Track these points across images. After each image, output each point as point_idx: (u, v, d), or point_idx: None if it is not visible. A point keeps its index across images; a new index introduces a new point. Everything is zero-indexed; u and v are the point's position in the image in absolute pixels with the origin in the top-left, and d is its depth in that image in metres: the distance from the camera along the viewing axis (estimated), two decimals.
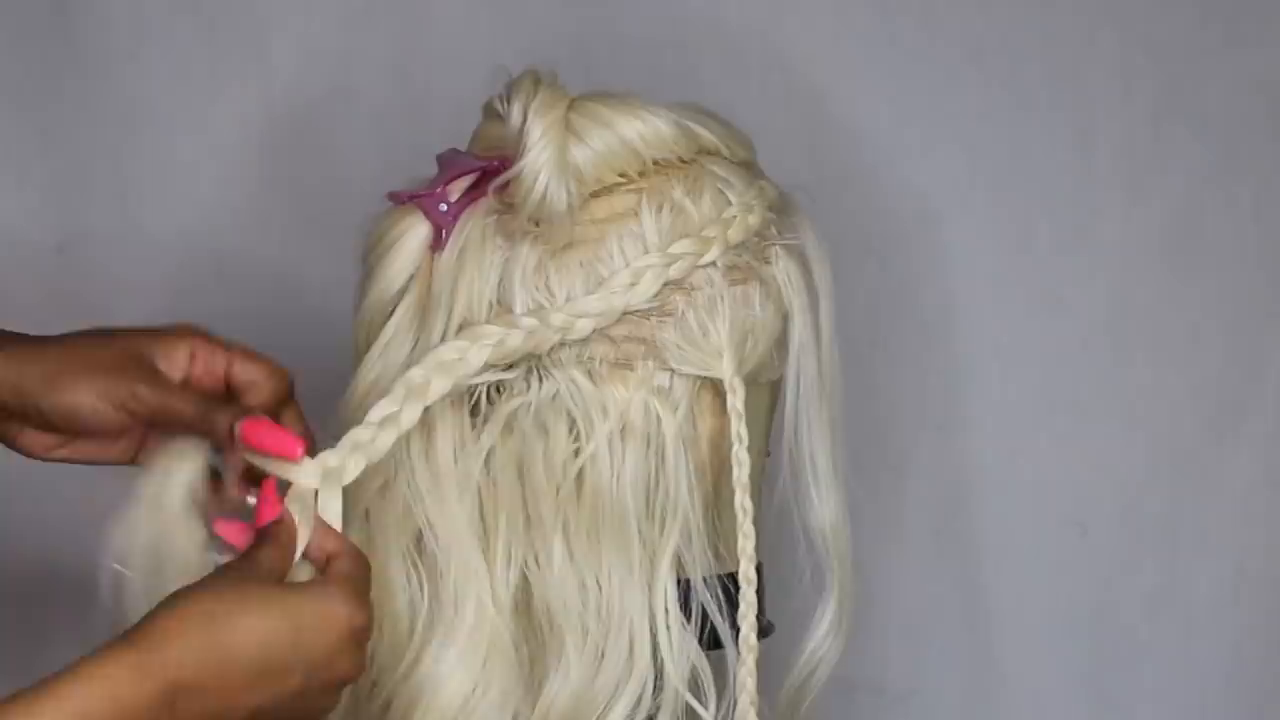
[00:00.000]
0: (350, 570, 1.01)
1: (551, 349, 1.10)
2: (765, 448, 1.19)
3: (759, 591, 1.14)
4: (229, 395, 1.10)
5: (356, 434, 1.05)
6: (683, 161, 1.14)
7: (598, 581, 1.10)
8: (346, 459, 1.04)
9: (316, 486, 1.03)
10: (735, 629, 1.13)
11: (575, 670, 1.09)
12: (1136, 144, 1.56)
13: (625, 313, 1.11)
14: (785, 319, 1.16)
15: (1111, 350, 1.58)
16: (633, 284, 1.10)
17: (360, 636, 0.99)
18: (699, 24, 1.53)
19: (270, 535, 1.00)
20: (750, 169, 1.18)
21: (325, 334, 1.50)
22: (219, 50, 1.49)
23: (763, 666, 1.15)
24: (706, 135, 1.15)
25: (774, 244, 1.16)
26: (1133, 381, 1.58)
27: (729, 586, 1.13)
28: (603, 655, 1.10)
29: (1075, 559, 1.59)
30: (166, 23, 1.48)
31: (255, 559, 0.99)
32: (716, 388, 1.13)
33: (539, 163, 1.09)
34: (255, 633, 0.95)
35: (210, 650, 0.93)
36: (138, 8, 1.48)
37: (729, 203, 1.14)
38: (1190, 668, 1.59)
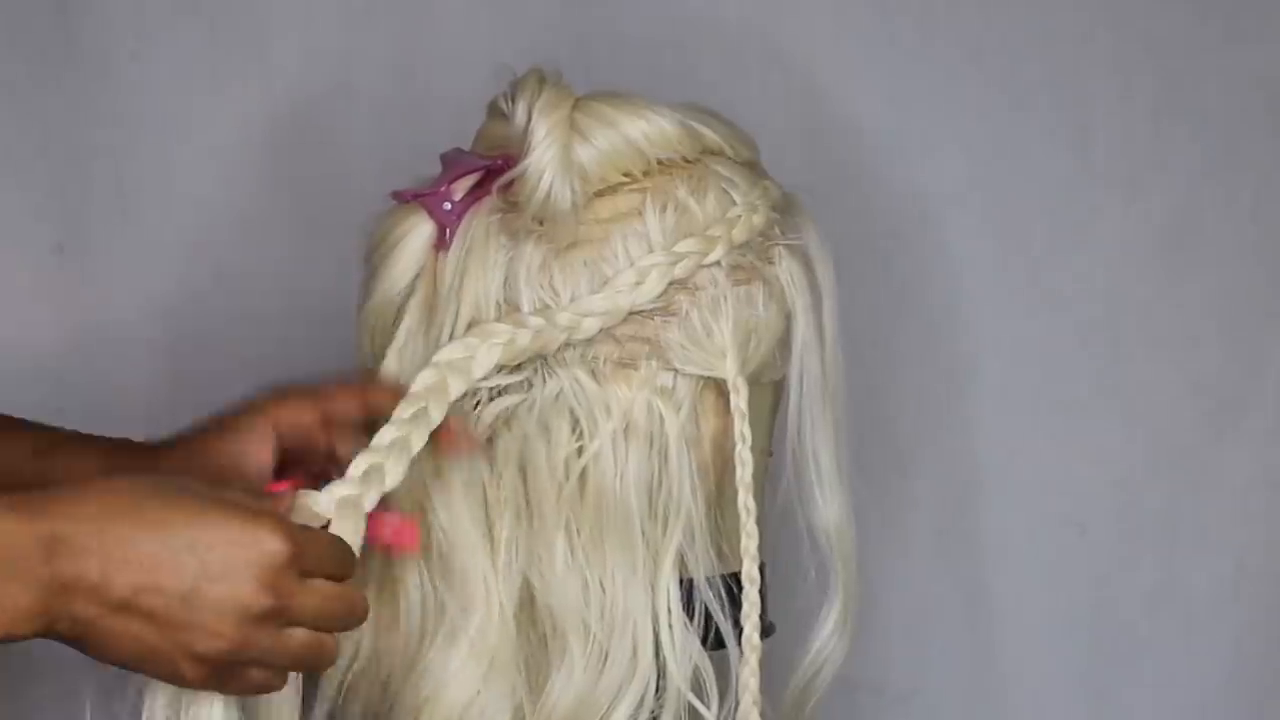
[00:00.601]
0: (301, 540, 0.97)
1: (557, 349, 1.11)
2: (768, 447, 1.19)
3: (761, 591, 1.15)
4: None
5: (387, 433, 1.05)
6: (687, 161, 1.14)
7: (600, 581, 1.10)
8: (387, 458, 1.04)
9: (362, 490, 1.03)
10: (738, 629, 1.13)
11: (579, 670, 1.10)
12: (1135, 142, 1.56)
13: (630, 312, 1.11)
14: (789, 319, 1.16)
15: (1111, 348, 1.58)
16: (638, 283, 1.11)
17: (272, 564, 0.95)
18: (699, 24, 1.53)
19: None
20: (754, 169, 1.18)
21: (326, 334, 1.50)
22: (220, 50, 1.48)
23: (766, 666, 1.15)
24: (710, 135, 1.15)
25: (778, 244, 1.16)
26: (1132, 379, 1.58)
27: (732, 586, 1.13)
28: (606, 655, 1.10)
29: (1075, 557, 1.59)
30: (167, 22, 1.48)
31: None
32: (720, 387, 1.13)
33: (543, 161, 1.09)
34: (157, 516, 0.94)
35: (104, 517, 0.93)
36: (138, 8, 1.48)
37: (733, 202, 1.14)
38: (1190, 665, 1.59)
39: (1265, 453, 1.59)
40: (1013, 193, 1.56)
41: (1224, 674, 1.60)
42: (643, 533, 1.10)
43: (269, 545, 0.95)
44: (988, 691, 1.60)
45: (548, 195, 1.09)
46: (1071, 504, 1.59)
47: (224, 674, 0.97)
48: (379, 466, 1.03)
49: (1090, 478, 1.58)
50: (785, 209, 1.17)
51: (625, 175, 1.12)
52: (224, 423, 1.14)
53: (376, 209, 1.17)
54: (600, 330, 1.11)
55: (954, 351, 1.57)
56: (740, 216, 1.13)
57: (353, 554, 1.00)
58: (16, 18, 1.46)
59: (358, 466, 1.03)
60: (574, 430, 1.11)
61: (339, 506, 1.01)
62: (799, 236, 1.17)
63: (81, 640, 0.95)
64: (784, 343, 1.16)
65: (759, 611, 1.13)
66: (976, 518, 1.58)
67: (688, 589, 1.12)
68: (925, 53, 1.55)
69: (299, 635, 0.97)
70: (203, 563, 0.94)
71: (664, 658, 1.10)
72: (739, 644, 1.12)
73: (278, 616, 0.96)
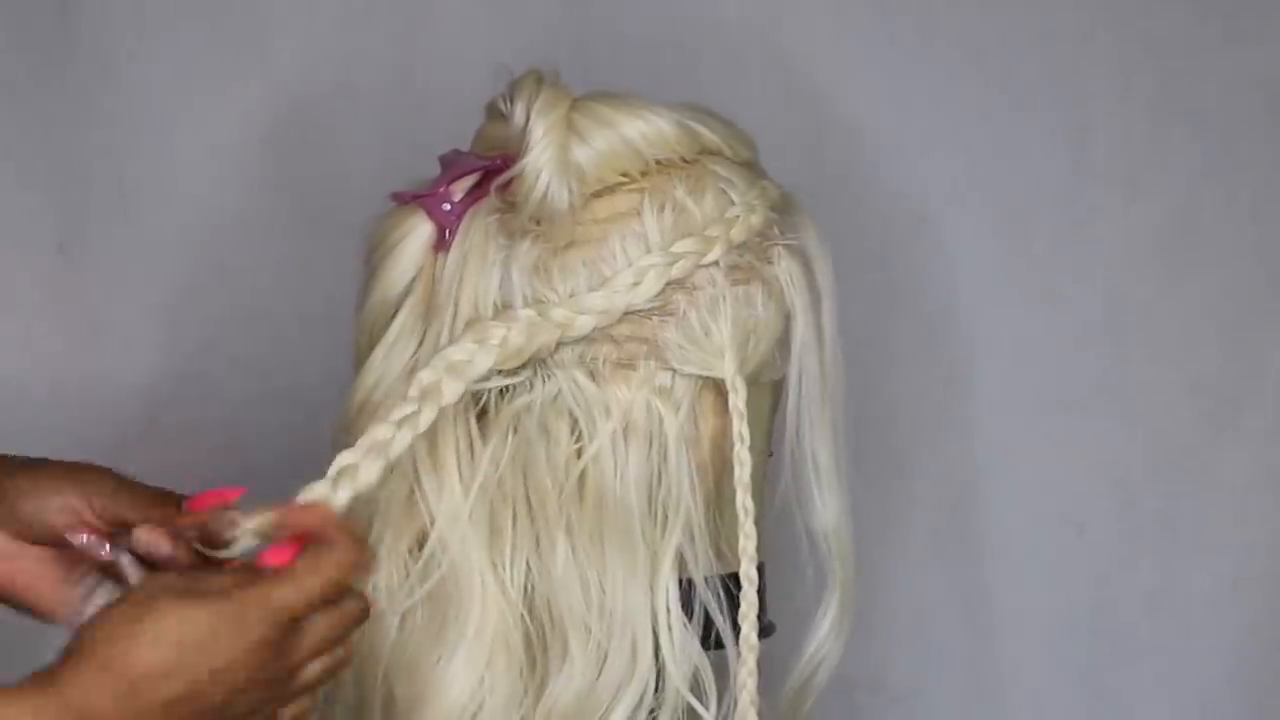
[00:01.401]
0: (278, 579, 0.98)
1: (555, 349, 1.11)
2: (767, 447, 1.19)
3: (761, 591, 1.15)
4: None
5: (375, 433, 1.06)
6: (685, 161, 1.14)
7: (600, 581, 1.10)
8: (363, 459, 1.04)
9: (332, 491, 1.03)
10: (736, 629, 1.13)
11: (579, 670, 1.10)
12: (1135, 142, 1.56)
13: (627, 312, 1.11)
14: (787, 319, 1.16)
15: (1110, 348, 1.58)
16: (635, 283, 1.11)
17: (266, 642, 0.96)
18: (699, 24, 1.53)
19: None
20: (753, 169, 1.18)
21: (326, 334, 1.50)
22: (220, 50, 1.48)
23: (764, 666, 1.15)
24: (709, 135, 1.15)
25: (776, 244, 1.16)
26: (1131, 379, 1.58)
27: (730, 586, 1.13)
28: (606, 655, 1.10)
29: (1074, 557, 1.59)
30: (168, 22, 1.48)
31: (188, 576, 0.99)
32: (719, 387, 1.13)
33: (541, 161, 1.09)
34: (156, 650, 0.94)
35: (111, 677, 0.93)
36: (139, 8, 1.48)
37: (731, 202, 1.14)
38: (1189, 665, 1.59)
39: (1265, 453, 1.59)
40: (1012, 193, 1.56)
41: (1224, 674, 1.60)
42: (642, 533, 1.11)
43: (258, 628, 0.96)
44: (987, 691, 1.60)
45: (545, 195, 1.09)
46: (1071, 504, 1.59)
47: None
48: (353, 467, 1.03)
49: (1090, 478, 1.58)
50: (784, 209, 1.17)
51: (623, 175, 1.12)
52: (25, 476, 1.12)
53: (376, 209, 1.17)
54: (595, 329, 1.11)
55: (953, 351, 1.57)
56: (738, 217, 1.14)
57: (336, 578, 0.99)
58: (17, 17, 1.46)
59: (336, 464, 1.03)
60: (573, 431, 1.11)
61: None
62: (798, 236, 1.17)
63: None
64: (783, 342, 1.16)
65: (756, 611, 1.13)
66: (976, 518, 1.58)
67: (687, 589, 1.12)
68: (925, 53, 1.55)
69: (315, 666, 0.99)
70: (210, 666, 0.95)
71: (663, 658, 1.10)
72: (737, 644, 1.12)
73: (294, 669, 0.98)
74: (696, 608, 1.12)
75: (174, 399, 1.51)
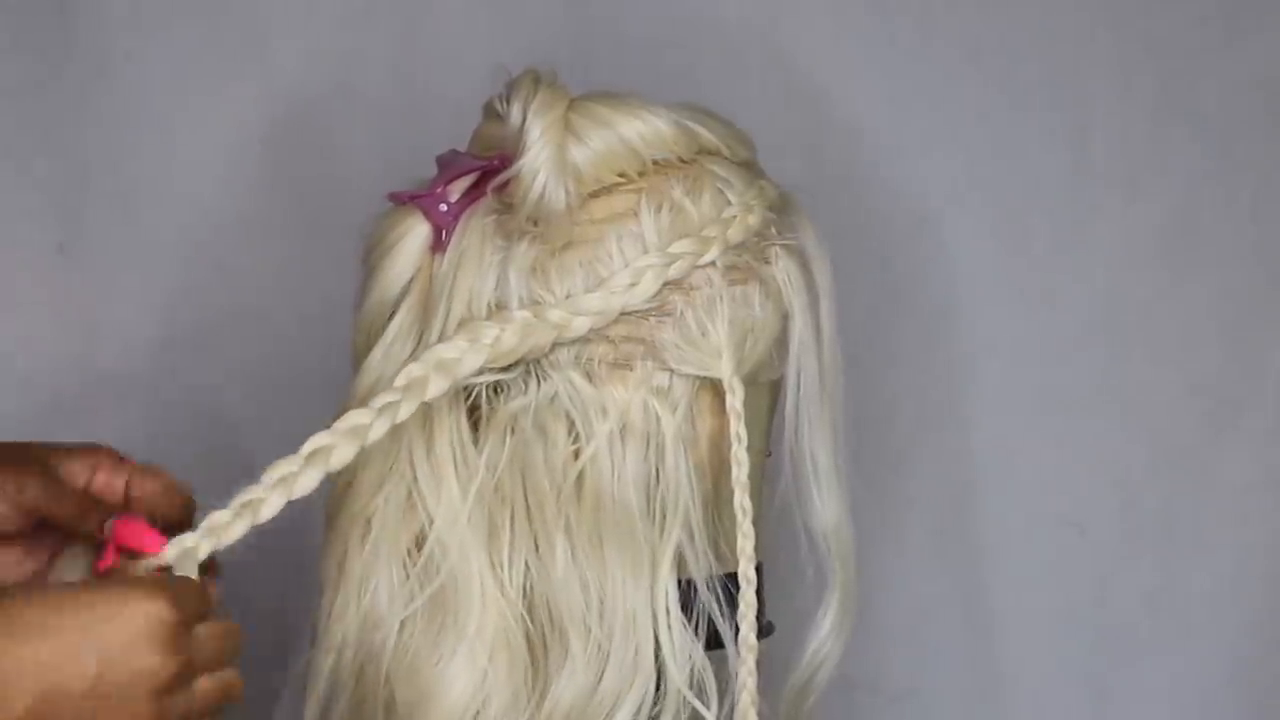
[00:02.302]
0: (176, 593, 0.97)
1: (551, 349, 1.11)
2: (766, 447, 1.19)
3: (759, 591, 1.15)
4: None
5: (354, 417, 1.06)
6: (683, 161, 1.14)
7: (600, 582, 1.10)
8: (338, 441, 1.05)
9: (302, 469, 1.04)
10: (736, 629, 1.13)
11: (580, 672, 1.10)
12: (1134, 142, 1.56)
13: (624, 313, 1.11)
14: (785, 319, 1.16)
15: (1109, 348, 1.58)
16: (632, 284, 1.11)
17: (165, 628, 0.94)
18: (699, 24, 1.53)
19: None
20: (751, 169, 1.18)
21: (326, 334, 1.50)
22: (219, 50, 1.48)
23: (765, 666, 1.15)
24: (706, 135, 1.15)
25: (774, 244, 1.16)
26: (1131, 379, 1.58)
27: (729, 586, 1.13)
28: (607, 656, 1.10)
29: (1074, 557, 1.59)
30: (167, 22, 1.48)
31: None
32: (716, 387, 1.13)
33: (537, 162, 1.09)
34: (39, 619, 0.93)
35: None
36: (137, 7, 1.48)
37: (729, 202, 1.14)
38: (1190, 665, 1.59)
39: (1265, 453, 1.59)
40: (1012, 193, 1.56)
41: (1224, 674, 1.60)
42: (641, 533, 1.10)
43: (156, 611, 0.94)
44: (987, 691, 1.60)
45: (541, 196, 1.09)
46: (1071, 504, 1.59)
47: None
48: (327, 448, 1.04)
49: (1090, 478, 1.58)
50: (782, 209, 1.17)
51: (620, 176, 1.12)
52: (61, 444, 1.10)
53: (376, 209, 1.17)
54: (591, 330, 1.11)
55: (953, 351, 1.57)
56: (736, 216, 1.13)
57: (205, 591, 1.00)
58: (17, 17, 1.46)
59: (309, 444, 1.04)
60: (570, 432, 1.11)
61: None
62: (796, 236, 1.17)
63: None
64: (781, 342, 1.16)
65: (755, 612, 1.13)
66: (975, 518, 1.58)
67: (687, 589, 1.12)
68: (925, 53, 1.55)
69: (205, 684, 0.97)
70: (101, 651, 0.93)
71: (663, 658, 1.10)
72: (736, 644, 1.12)
73: (185, 677, 0.96)
74: (696, 608, 1.12)
75: (174, 399, 1.51)
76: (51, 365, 1.49)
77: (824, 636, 1.19)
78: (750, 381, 1.14)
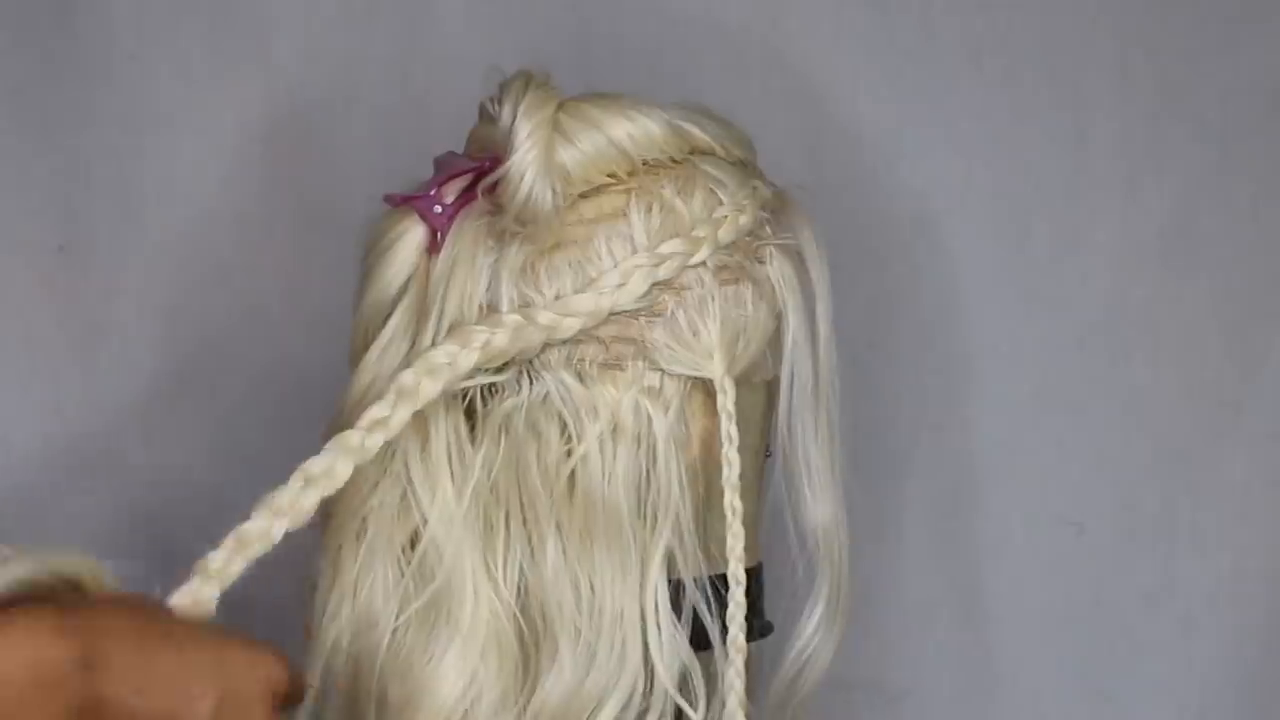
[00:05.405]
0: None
1: (542, 350, 1.11)
2: (763, 447, 1.19)
3: (753, 592, 1.15)
4: None
5: (345, 439, 1.06)
6: (674, 161, 1.14)
7: (590, 581, 1.11)
8: (333, 463, 1.05)
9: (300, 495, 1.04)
10: (726, 630, 1.13)
11: (569, 670, 1.10)
12: (1134, 144, 1.56)
13: (613, 313, 1.11)
14: (779, 319, 1.16)
15: (1109, 350, 1.58)
16: (621, 284, 1.11)
17: (276, 695, 0.96)
18: (699, 24, 1.53)
19: None
20: (745, 168, 1.18)
21: (326, 334, 1.50)
22: (220, 50, 1.48)
23: (760, 667, 1.15)
24: (699, 134, 1.15)
25: (768, 244, 1.16)
26: (1130, 381, 1.58)
27: (719, 587, 1.13)
28: (594, 655, 1.10)
29: (1072, 558, 1.59)
30: (168, 22, 1.48)
31: None
32: (708, 388, 1.13)
33: (525, 163, 1.09)
34: (183, 634, 0.94)
35: (137, 635, 0.92)
36: (139, 7, 1.48)
37: (720, 202, 1.14)
38: (1189, 666, 1.59)
39: (1265, 453, 1.59)
40: (1011, 194, 1.56)
41: (1223, 674, 1.60)
42: (632, 533, 1.11)
43: (277, 675, 0.96)
44: (986, 691, 1.60)
45: (528, 197, 1.09)
46: (1070, 504, 1.59)
47: None
48: (325, 472, 1.04)
49: (1088, 479, 1.58)
50: (777, 208, 1.18)
51: (610, 176, 1.12)
52: None
53: (376, 210, 1.17)
54: (582, 331, 1.11)
55: (952, 351, 1.57)
56: (727, 216, 1.14)
57: None
58: (17, 17, 1.46)
59: (301, 472, 1.04)
60: (563, 433, 1.12)
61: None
62: (791, 236, 1.17)
63: None
64: (775, 343, 1.16)
65: (745, 613, 1.13)
66: (974, 517, 1.58)
67: (677, 589, 1.12)
68: (925, 53, 1.55)
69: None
70: (224, 687, 0.94)
71: (651, 657, 1.10)
72: (725, 644, 1.12)
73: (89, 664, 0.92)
74: (686, 608, 1.12)
75: (174, 399, 1.52)
76: (52, 365, 1.50)
77: (809, 636, 1.19)
78: (743, 381, 1.14)
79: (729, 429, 1.12)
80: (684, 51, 1.53)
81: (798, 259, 1.16)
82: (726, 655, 1.12)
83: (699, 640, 1.13)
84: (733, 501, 1.12)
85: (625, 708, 1.10)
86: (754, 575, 1.16)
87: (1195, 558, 1.59)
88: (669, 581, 1.11)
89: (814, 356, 1.17)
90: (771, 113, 1.49)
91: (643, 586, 1.11)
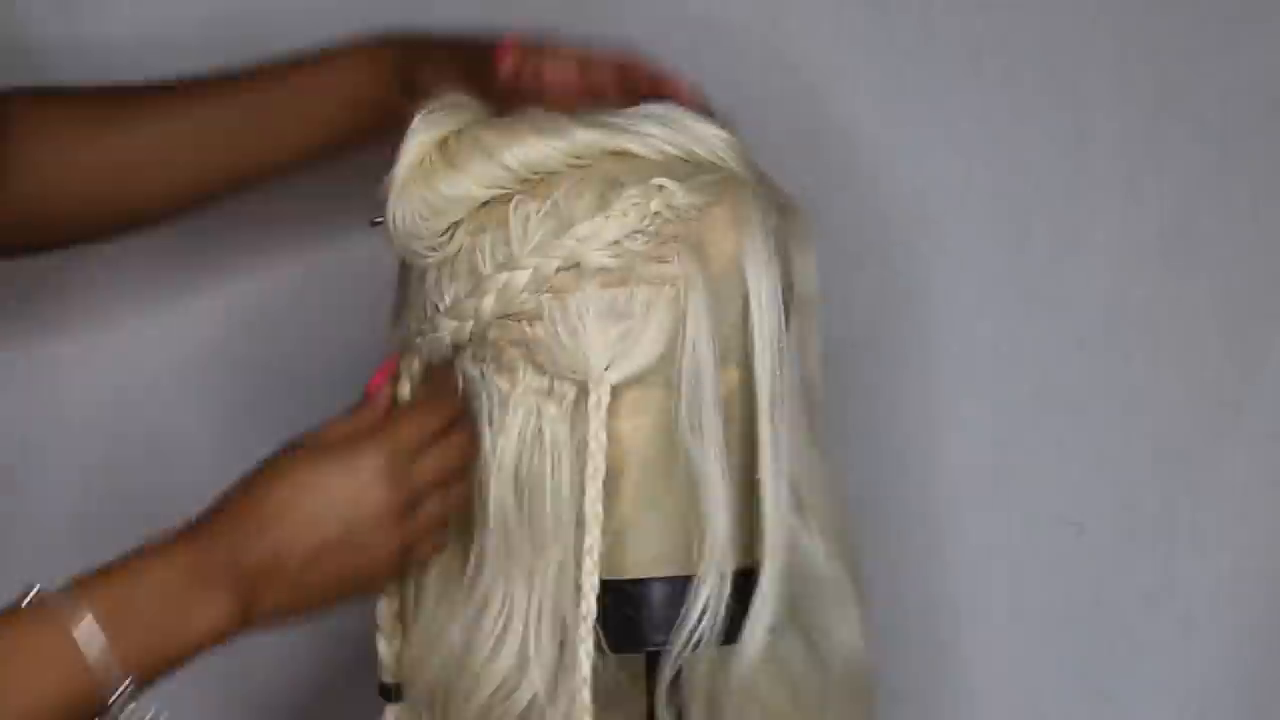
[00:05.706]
0: (392, 438, 1.10)
1: (454, 353, 1.15)
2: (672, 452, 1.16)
3: (752, 593, 1.14)
4: None
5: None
6: (571, 167, 1.14)
7: (521, 582, 1.13)
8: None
9: None
10: (643, 632, 1.14)
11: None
12: (1134, 144, 1.56)
13: (498, 316, 1.13)
14: (679, 320, 1.13)
15: (1108, 350, 1.58)
16: (502, 288, 1.12)
17: (383, 473, 1.09)
18: (699, 24, 1.53)
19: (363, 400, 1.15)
20: (686, 165, 1.15)
21: (327, 333, 1.50)
22: (220, 50, 1.48)
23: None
24: (621, 140, 1.14)
25: (668, 242, 1.13)
26: (1130, 381, 1.58)
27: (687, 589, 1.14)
28: (520, 654, 1.13)
29: (1072, 558, 1.59)
30: (168, 23, 1.48)
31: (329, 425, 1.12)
32: (614, 390, 1.12)
33: (397, 184, 1.14)
34: (289, 495, 1.08)
35: (257, 529, 1.07)
36: (140, 8, 1.48)
37: (609, 203, 1.13)
38: (1188, 666, 1.59)
39: (1265, 453, 1.59)
40: (1010, 194, 1.56)
41: (1223, 674, 1.60)
42: (553, 533, 1.12)
43: (372, 462, 1.09)
44: (985, 691, 1.60)
45: (397, 221, 1.15)
46: (1069, 505, 1.59)
47: (403, 562, 1.12)
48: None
49: (1088, 479, 1.58)
50: (708, 203, 1.14)
51: (501, 189, 1.14)
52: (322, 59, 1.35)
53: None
54: (473, 334, 1.14)
55: (949, 352, 1.57)
56: (610, 218, 1.12)
57: (446, 399, 1.14)
58: (17, 18, 1.46)
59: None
60: (490, 424, 1.15)
61: None
62: (696, 235, 1.14)
63: (279, 618, 1.09)
64: (674, 342, 1.13)
65: (594, 619, 1.12)
66: (975, 517, 1.58)
67: (604, 590, 1.13)
68: (925, 53, 1.55)
69: (435, 499, 1.12)
70: (338, 505, 1.08)
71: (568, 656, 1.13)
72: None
73: (414, 503, 1.11)
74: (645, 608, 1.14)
75: (174, 399, 1.52)
76: (52, 365, 1.50)
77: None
78: (637, 381, 1.13)
79: (598, 430, 1.11)
80: (683, 52, 1.52)
81: (701, 258, 1.13)
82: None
83: (629, 640, 1.14)
84: (594, 507, 1.12)
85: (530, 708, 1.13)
86: (746, 577, 1.15)
87: (1195, 558, 1.59)
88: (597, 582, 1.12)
89: (747, 363, 1.14)
90: (771, 113, 1.49)
91: (561, 587, 1.13)
